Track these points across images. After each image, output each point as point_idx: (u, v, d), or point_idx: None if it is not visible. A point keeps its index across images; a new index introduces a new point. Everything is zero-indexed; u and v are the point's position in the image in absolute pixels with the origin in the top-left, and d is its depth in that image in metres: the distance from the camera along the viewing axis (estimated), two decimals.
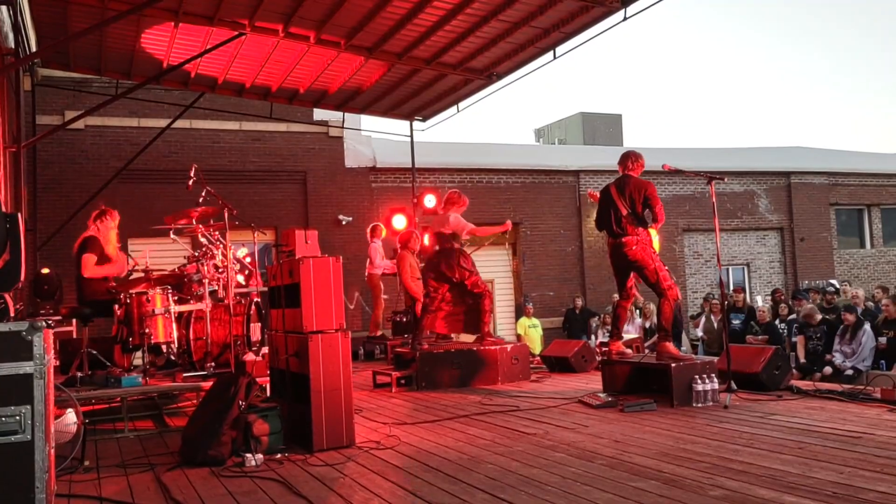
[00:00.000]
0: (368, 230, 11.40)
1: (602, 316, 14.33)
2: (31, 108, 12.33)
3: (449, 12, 9.07)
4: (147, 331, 6.11)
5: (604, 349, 7.35)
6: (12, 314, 4.06)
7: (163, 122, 12.52)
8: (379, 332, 10.93)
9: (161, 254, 9.62)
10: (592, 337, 14.32)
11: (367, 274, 11.08)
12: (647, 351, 12.28)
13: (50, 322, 3.25)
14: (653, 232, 6.40)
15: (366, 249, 11.34)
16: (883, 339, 9.09)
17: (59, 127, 11.11)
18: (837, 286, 16.30)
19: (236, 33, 9.14)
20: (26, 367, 3.01)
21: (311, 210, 15.02)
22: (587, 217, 17.70)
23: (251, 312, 6.67)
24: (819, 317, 10.15)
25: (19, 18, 9.11)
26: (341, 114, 13.67)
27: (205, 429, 4.53)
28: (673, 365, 5.85)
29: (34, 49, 10.08)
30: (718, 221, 6.59)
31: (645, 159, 6.63)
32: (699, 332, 12.76)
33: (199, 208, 6.70)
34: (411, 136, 13.57)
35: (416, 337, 8.87)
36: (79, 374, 6.19)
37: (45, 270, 8.84)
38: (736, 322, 11.48)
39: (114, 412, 6.30)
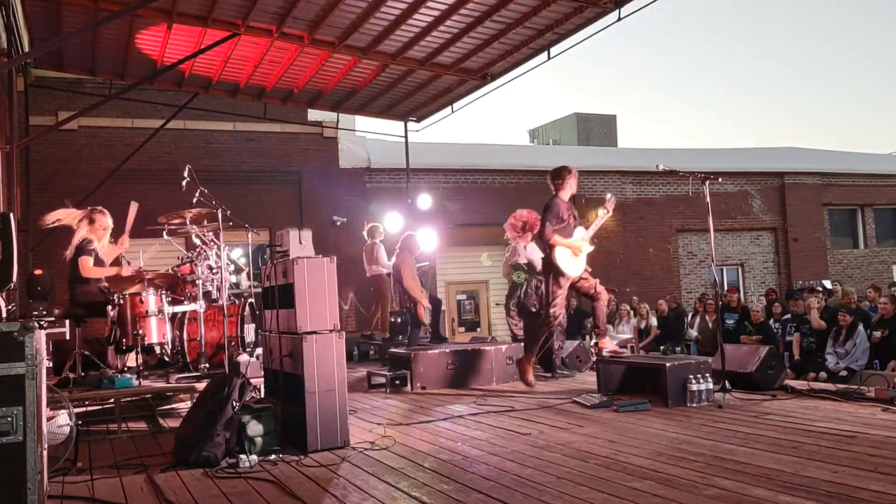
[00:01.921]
0: (367, 230, 11.16)
1: None
2: (24, 108, 12.28)
3: (443, 13, 9.08)
4: (140, 332, 6.09)
5: (597, 348, 7.42)
6: (4, 315, 4.05)
7: (156, 123, 12.49)
8: (387, 333, 10.78)
9: (155, 255, 9.59)
10: (587, 337, 14.32)
11: (373, 275, 10.86)
12: (641, 351, 12.31)
13: (42, 323, 3.24)
14: (557, 249, 6.52)
15: (360, 249, 11.23)
16: (877, 333, 9.15)
17: (53, 127, 11.07)
18: (828, 287, 16.34)
19: (230, 34, 9.12)
20: (18, 368, 2.99)
21: (305, 211, 14.99)
22: (582, 217, 17.70)
23: (245, 313, 6.66)
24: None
25: (12, 18, 9.09)
26: (335, 114, 13.66)
27: (198, 429, 4.51)
28: (667, 364, 5.87)
29: (27, 49, 10.04)
30: (712, 222, 6.60)
31: (572, 175, 6.83)
32: (693, 333, 12.77)
33: (193, 209, 6.68)
34: (406, 136, 13.57)
35: (412, 337, 8.88)
36: (72, 375, 6.16)
37: (38, 271, 8.80)
38: (729, 322, 11.49)
39: (107, 413, 6.28)
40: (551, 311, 6.59)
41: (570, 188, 6.80)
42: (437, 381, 7.55)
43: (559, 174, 6.81)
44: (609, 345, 7.04)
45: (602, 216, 6.83)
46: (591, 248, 6.77)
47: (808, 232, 20.16)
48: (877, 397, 5.60)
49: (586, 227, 6.81)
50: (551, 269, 6.55)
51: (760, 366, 6.27)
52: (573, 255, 6.59)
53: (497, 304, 11.28)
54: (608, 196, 7.04)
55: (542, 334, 6.74)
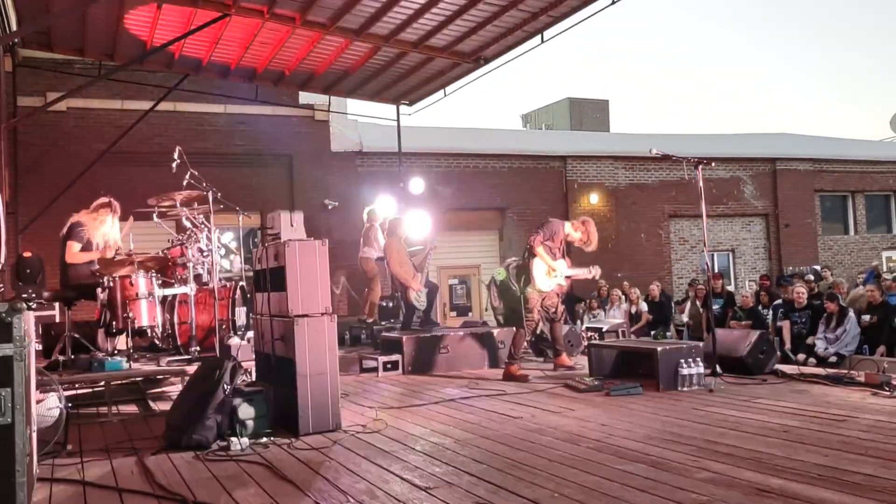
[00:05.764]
0: (366, 213, 11.11)
1: (588, 301, 14.38)
2: (12, 89, 12.14)
3: None
4: (130, 314, 6.05)
5: (590, 333, 7.49)
6: None
7: (146, 105, 12.35)
8: (375, 317, 10.78)
9: (145, 237, 9.53)
10: (579, 322, 14.36)
11: (361, 257, 10.82)
12: (632, 336, 12.36)
13: (31, 304, 3.21)
14: (536, 259, 6.92)
15: (352, 233, 11.16)
16: (866, 318, 9.23)
17: (41, 108, 10.94)
18: (819, 272, 16.42)
19: (220, 14, 9.01)
20: (6, 349, 2.96)
21: (296, 194, 14.90)
22: (574, 203, 17.71)
23: (236, 296, 6.62)
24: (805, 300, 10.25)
25: None
26: (327, 97, 13.55)
27: (190, 413, 4.49)
28: (659, 349, 5.88)
29: (14, 29, 9.90)
30: (704, 207, 6.61)
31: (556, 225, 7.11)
32: (685, 318, 12.82)
33: (184, 191, 6.63)
34: (398, 120, 13.47)
35: (405, 321, 8.87)
36: (62, 357, 6.13)
37: (27, 254, 8.74)
38: (715, 308, 11.52)
39: (97, 396, 6.25)
40: (528, 315, 6.94)
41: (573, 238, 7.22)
42: (429, 366, 7.56)
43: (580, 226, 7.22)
44: (568, 361, 7.33)
45: (585, 273, 7.33)
46: (564, 281, 7.18)
47: (799, 218, 20.22)
48: (867, 382, 5.63)
49: (570, 267, 7.25)
50: (527, 275, 6.92)
51: (752, 350, 6.30)
52: (547, 274, 6.96)
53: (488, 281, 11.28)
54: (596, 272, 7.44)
55: (520, 342, 7.02)
